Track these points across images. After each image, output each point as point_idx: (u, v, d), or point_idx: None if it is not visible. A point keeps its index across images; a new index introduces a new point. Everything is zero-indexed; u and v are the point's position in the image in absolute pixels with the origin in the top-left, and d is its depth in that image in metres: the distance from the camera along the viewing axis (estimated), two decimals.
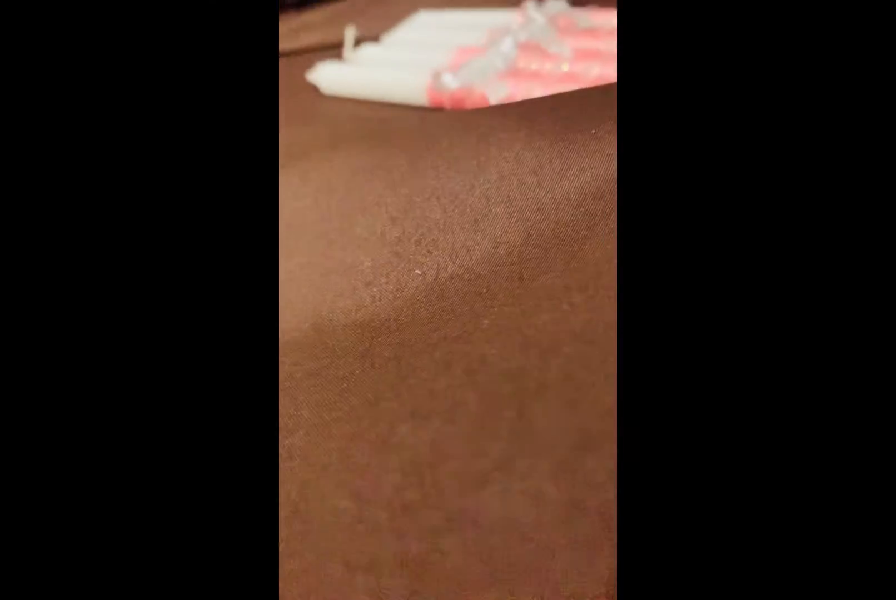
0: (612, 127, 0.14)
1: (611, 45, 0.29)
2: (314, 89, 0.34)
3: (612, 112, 0.14)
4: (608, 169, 0.14)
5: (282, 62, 0.41)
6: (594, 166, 0.14)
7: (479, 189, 0.14)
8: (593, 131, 0.14)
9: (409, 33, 0.36)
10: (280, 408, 0.12)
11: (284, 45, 0.42)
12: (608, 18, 0.31)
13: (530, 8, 0.33)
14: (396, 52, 0.34)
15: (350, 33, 0.38)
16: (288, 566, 0.11)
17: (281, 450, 0.12)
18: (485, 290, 0.13)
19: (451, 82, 0.28)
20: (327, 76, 0.34)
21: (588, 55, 0.29)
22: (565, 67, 0.28)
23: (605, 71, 0.26)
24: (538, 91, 0.26)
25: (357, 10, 0.48)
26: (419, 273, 0.14)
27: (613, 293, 0.11)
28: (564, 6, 0.34)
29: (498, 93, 0.27)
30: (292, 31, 0.46)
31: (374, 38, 0.39)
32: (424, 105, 0.30)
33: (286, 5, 0.51)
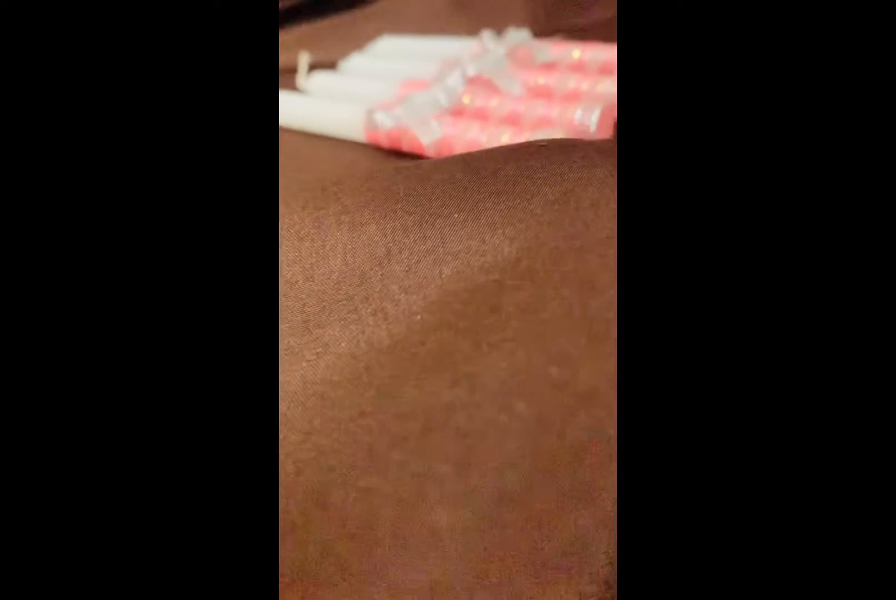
0: (477, 211, 0.12)
1: (564, 82, 0.26)
2: None
3: (484, 190, 0.12)
4: (463, 266, 0.11)
5: None
6: (447, 262, 0.11)
7: (318, 280, 0.12)
8: (455, 216, 0.12)
9: (365, 61, 0.35)
10: None
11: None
12: (569, 51, 0.29)
13: (487, 38, 0.31)
14: (348, 82, 0.32)
15: (304, 59, 0.36)
16: None
17: None
18: (288, 421, 0.11)
19: (384, 121, 0.25)
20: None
21: (538, 93, 0.26)
22: (508, 106, 0.25)
23: (549, 112, 0.24)
24: (475, 132, 0.24)
25: (328, 32, 0.47)
26: None
27: (443, 447, 0.09)
28: (525, 37, 0.32)
29: (433, 134, 0.24)
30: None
31: (333, 65, 0.37)
32: (364, 143, 0.28)
33: None
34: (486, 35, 0.31)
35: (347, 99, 0.30)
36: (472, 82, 0.27)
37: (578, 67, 0.30)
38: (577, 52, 0.29)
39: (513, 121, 0.25)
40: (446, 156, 0.14)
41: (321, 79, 0.33)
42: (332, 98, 0.32)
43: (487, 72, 0.27)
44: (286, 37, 0.47)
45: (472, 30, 0.39)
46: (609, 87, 0.26)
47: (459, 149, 0.24)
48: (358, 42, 0.41)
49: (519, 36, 0.32)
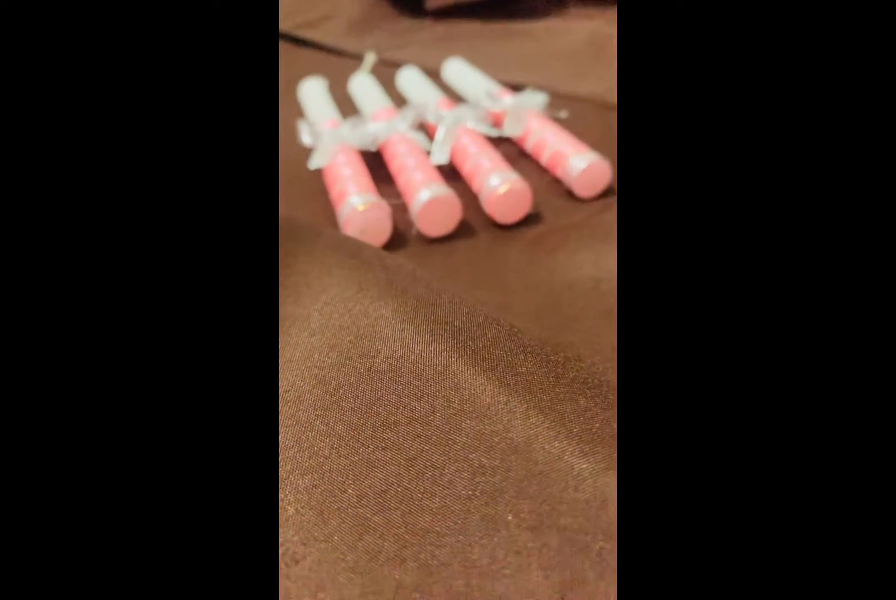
0: None
1: (476, 159, 0.27)
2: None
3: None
4: None
5: (329, 58, 0.44)
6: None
7: None
8: None
9: (409, 75, 0.37)
10: None
11: (348, 44, 0.45)
12: (540, 132, 0.29)
13: (485, 95, 0.31)
14: (369, 89, 0.35)
15: (370, 58, 0.40)
16: None
17: None
18: None
19: (304, 135, 0.29)
20: (303, 86, 0.36)
21: (445, 173, 0.27)
22: (398, 162, 0.27)
23: (422, 197, 0.24)
24: (345, 171, 0.26)
25: (471, 37, 0.49)
26: None
27: None
28: (541, 99, 0.31)
29: (319, 162, 0.27)
30: (390, 35, 0.48)
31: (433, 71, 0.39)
32: None
33: (426, 13, 0.53)
34: (487, 93, 0.31)
35: (364, 98, 0.34)
36: (399, 138, 0.29)
37: (528, 149, 0.30)
38: (543, 135, 0.28)
39: (398, 182, 0.27)
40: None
41: (359, 80, 0.37)
42: (358, 96, 0.36)
43: (445, 122, 0.29)
44: (438, 32, 0.50)
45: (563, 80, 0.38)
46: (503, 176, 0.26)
47: (329, 180, 0.27)
48: (482, 54, 0.42)
49: (534, 98, 0.32)
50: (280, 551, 0.12)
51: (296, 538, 0.12)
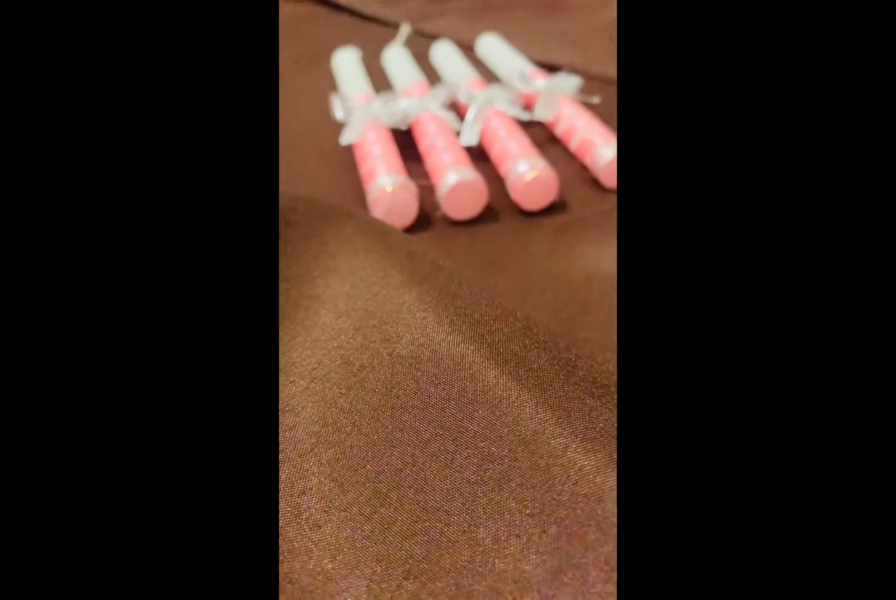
0: None
1: (506, 142, 0.27)
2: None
3: None
4: None
5: (364, 25, 0.44)
6: None
7: None
8: None
9: (447, 50, 0.37)
10: None
11: (383, 10, 0.45)
12: (572, 118, 0.29)
13: (518, 76, 0.31)
14: (403, 64, 0.35)
15: (405, 29, 0.39)
16: None
17: None
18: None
19: (336, 109, 0.29)
20: (337, 56, 0.36)
21: (473, 155, 0.27)
22: (427, 142, 0.27)
23: (450, 180, 0.25)
24: (375, 149, 0.27)
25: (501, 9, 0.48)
26: None
27: None
28: (574, 83, 0.31)
29: (350, 138, 0.28)
30: (427, 2, 0.47)
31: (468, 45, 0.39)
32: None
33: None
34: (517, 75, 0.31)
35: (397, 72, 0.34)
36: (430, 117, 0.29)
37: (558, 134, 0.30)
38: (574, 121, 0.29)
39: (427, 160, 0.27)
40: None
41: (392, 53, 0.37)
42: (391, 70, 0.36)
43: (474, 102, 0.29)
44: (468, 3, 0.49)
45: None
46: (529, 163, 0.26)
47: (359, 157, 0.27)
48: (516, 27, 0.42)
49: (568, 81, 0.32)
50: (303, 517, 0.13)
51: (318, 506, 0.13)
